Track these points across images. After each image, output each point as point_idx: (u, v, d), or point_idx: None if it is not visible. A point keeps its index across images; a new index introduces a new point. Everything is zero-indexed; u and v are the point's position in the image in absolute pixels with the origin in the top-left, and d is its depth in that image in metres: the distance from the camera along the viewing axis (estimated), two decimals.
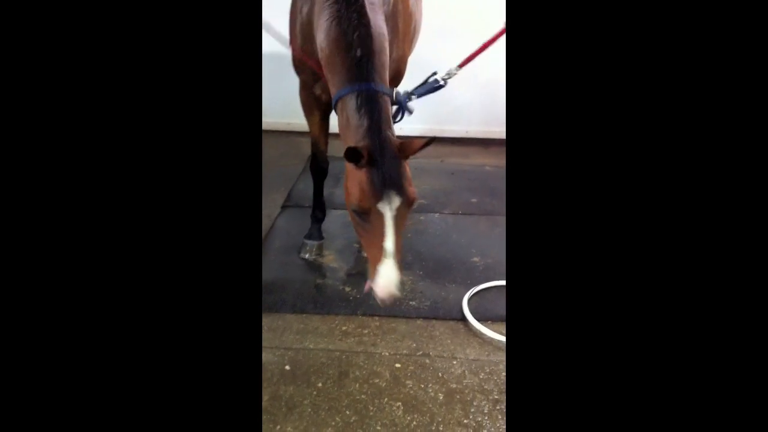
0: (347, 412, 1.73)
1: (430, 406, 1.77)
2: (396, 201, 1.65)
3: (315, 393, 1.80)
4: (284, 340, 2.06)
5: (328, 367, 1.92)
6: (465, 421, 1.71)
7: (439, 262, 2.63)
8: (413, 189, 1.73)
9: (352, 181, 1.71)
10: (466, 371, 1.93)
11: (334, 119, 2.11)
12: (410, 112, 2.07)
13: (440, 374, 1.91)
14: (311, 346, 2.03)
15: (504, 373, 1.91)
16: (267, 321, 2.14)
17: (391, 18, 2.08)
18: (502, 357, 2.00)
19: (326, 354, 1.99)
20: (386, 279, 1.63)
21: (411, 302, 2.30)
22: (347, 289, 2.39)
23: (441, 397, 1.80)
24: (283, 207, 3.16)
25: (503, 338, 2.06)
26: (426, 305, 2.28)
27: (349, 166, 1.71)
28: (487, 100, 4.23)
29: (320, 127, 2.46)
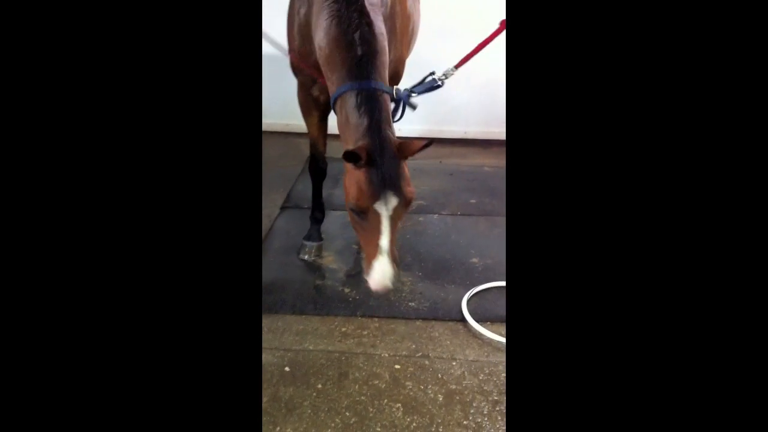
0: (347, 414, 1.72)
1: (430, 407, 1.77)
2: (393, 201, 1.67)
3: (314, 394, 1.80)
4: (284, 341, 2.06)
5: (328, 368, 1.92)
6: (465, 422, 1.71)
7: (439, 262, 2.63)
8: (411, 189, 1.74)
9: (351, 180, 1.72)
10: (466, 372, 1.93)
11: (332, 120, 2.12)
12: (414, 108, 2.07)
13: (440, 375, 1.91)
14: (311, 348, 2.03)
15: (503, 374, 1.91)
16: (266, 322, 2.14)
17: (389, 19, 2.08)
18: (501, 358, 2.00)
19: (326, 355, 1.99)
20: (380, 273, 1.68)
21: (410, 303, 2.30)
22: (347, 290, 2.39)
23: (441, 399, 1.80)
24: (282, 208, 3.16)
25: (503, 339, 2.06)
26: (425, 306, 2.28)
27: (348, 165, 1.71)
28: (486, 101, 4.23)
29: (319, 128, 2.46)
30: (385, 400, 1.78)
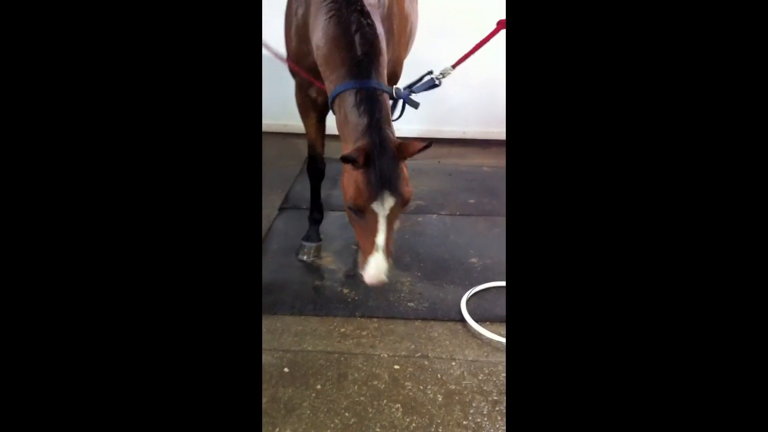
0: (346, 414, 1.72)
1: (429, 407, 1.76)
2: (391, 201, 1.69)
3: (314, 395, 1.80)
4: (283, 342, 2.05)
5: (327, 369, 1.92)
6: (464, 422, 1.71)
7: (437, 263, 2.63)
8: (409, 189, 1.76)
9: (349, 179, 1.72)
10: (465, 372, 1.92)
11: (330, 121, 2.12)
12: (416, 106, 2.07)
13: (439, 375, 1.91)
14: (310, 348, 2.02)
15: (503, 374, 1.91)
16: (265, 323, 2.13)
17: (387, 20, 2.08)
18: (500, 358, 1.99)
19: (325, 356, 1.99)
20: (375, 268, 1.74)
21: (409, 303, 2.30)
22: (345, 290, 2.38)
23: (440, 399, 1.80)
24: (281, 209, 3.16)
25: (502, 339, 2.06)
26: (424, 306, 2.28)
27: (347, 165, 1.72)
28: (485, 101, 4.23)
29: (317, 129, 2.46)
30: (385, 401, 1.78)
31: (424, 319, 2.21)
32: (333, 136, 2.10)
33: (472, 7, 3.72)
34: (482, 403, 1.78)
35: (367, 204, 1.69)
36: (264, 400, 1.76)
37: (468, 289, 2.37)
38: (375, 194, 1.66)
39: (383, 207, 1.69)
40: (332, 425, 1.68)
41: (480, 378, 1.90)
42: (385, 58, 1.89)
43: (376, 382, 1.86)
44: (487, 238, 2.88)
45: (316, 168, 2.57)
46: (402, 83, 2.25)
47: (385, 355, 2.00)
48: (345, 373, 1.90)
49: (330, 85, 1.87)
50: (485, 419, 1.72)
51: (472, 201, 3.35)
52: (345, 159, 1.67)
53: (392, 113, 1.99)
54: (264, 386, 1.82)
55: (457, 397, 1.81)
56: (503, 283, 2.41)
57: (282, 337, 2.08)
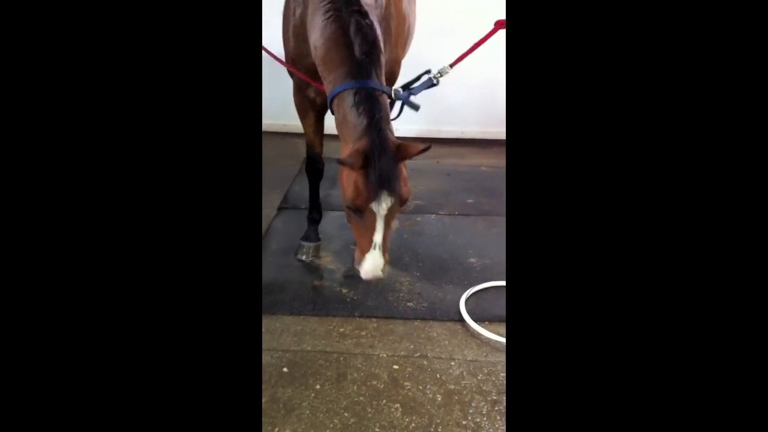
0: (346, 414, 1.72)
1: (429, 407, 1.76)
2: (389, 201, 1.70)
3: (313, 395, 1.80)
4: (282, 342, 2.05)
5: (326, 369, 1.92)
6: (464, 422, 1.71)
7: (436, 263, 2.63)
8: (408, 189, 1.77)
9: (348, 180, 1.72)
10: (465, 372, 1.92)
11: (329, 121, 2.12)
12: (416, 109, 2.08)
13: (438, 375, 1.91)
14: (309, 348, 2.02)
15: (502, 374, 1.91)
16: (264, 323, 2.13)
17: (384, 20, 2.08)
18: (500, 358, 2.00)
19: (324, 356, 1.98)
20: (372, 264, 1.78)
21: (408, 303, 2.30)
22: (344, 290, 2.38)
23: (439, 399, 1.80)
24: (280, 209, 3.15)
25: (501, 339, 2.06)
26: (423, 306, 2.28)
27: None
28: (483, 101, 4.23)
29: (315, 129, 2.46)
30: (384, 401, 1.78)
31: (423, 319, 2.21)
32: (332, 136, 2.10)
33: (471, 7, 3.72)
34: (481, 403, 1.78)
35: (366, 204, 1.70)
36: (263, 400, 1.76)
37: (467, 289, 2.37)
38: (374, 194, 1.67)
39: (382, 207, 1.70)
40: (331, 425, 1.68)
41: (479, 378, 1.90)
42: (383, 58, 1.89)
43: (375, 382, 1.86)
44: (485, 238, 2.88)
45: (314, 168, 2.57)
46: (400, 83, 2.25)
47: (384, 355, 2.00)
48: (344, 373, 1.90)
49: (329, 86, 1.87)
50: (484, 419, 1.72)
51: (470, 201, 3.35)
52: (342, 163, 1.68)
53: (390, 113, 2.00)
54: (263, 386, 1.82)
55: (456, 397, 1.81)
56: (502, 283, 2.41)
57: (281, 337, 2.08)
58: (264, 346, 2.01)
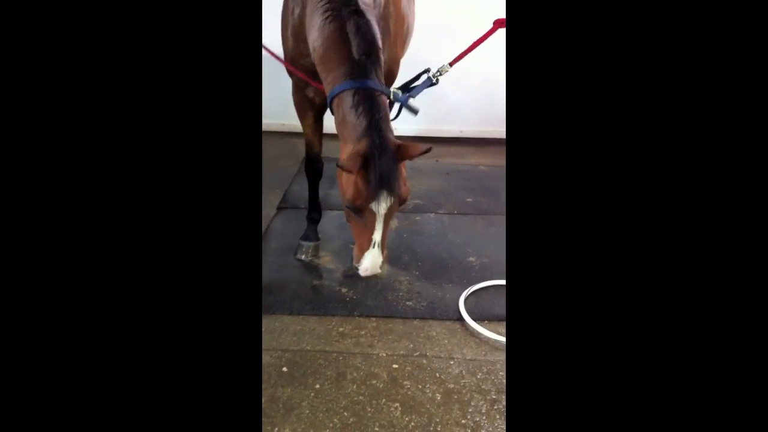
0: (345, 414, 1.72)
1: (428, 406, 1.77)
2: (389, 201, 1.70)
3: (313, 395, 1.80)
4: (281, 341, 2.05)
5: (326, 368, 1.92)
6: (463, 421, 1.71)
7: (435, 262, 2.63)
8: (407, 188, 1.78)
9: (348, 180, 1.73)
10: (464, 371, 1.93)
11: (328, 120, 2.12)
12: (415, 112, 2.08)
13: (438, 374, 1.91)
14: (308, 348, 2.03)
15: (501, 373, 1.92)
16: (264, 323, 2.13)
17: (383, 20, 2.08)
18: (499, 356, 2.00)
19: (323, 355, 1.99)
20: (371, 262, 1.80)
21: (408, 303, 2.30)
22: (344, 290, 2.39)
23: (439, 398, 1.80)
24: (279, 208, 3.16)
25: (500, 338, 2.06)
26: (423, 305, 2.28)
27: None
28: (482, 100, 4.24)
29: (314, 128, 2.46)
30: (383, 400, 1.79)
31: (422, 318, 2.21)
32: (331, 135, 2.10)
33: (471, 7, 3.73)
34: (481, 402, 1.79)
35: (366, 204, 1.70)
36: (263, 400, 1.77)
37: (466, 288, 2.37)
38: (374, 195, 1.68)
39: (381, 207, 1.71)
40: (331, 425, 1.68)
41: (478, 377, 1.90)
42: (382, 58, 1.89)
43: (374, 382, 1.87)
44: (484, 237, 2.89)
45: (313, 167, 2.57)
46: (399, 82, 2.25)
47: (384, 355, 2.00)
48: (344, 373, 1.90)
49: (328, 86, 1.87)
50: (484, 418, 1.72)
51: (469, 200, 3.35)
52: (342, 167, 1.68)
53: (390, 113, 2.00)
54: (263, 386, 1.82)
55: (455, 396, 1.81)
56: (501, 282, 2.42)
57: (281, 337, 2.08)
58: (263, 345, 2.01)
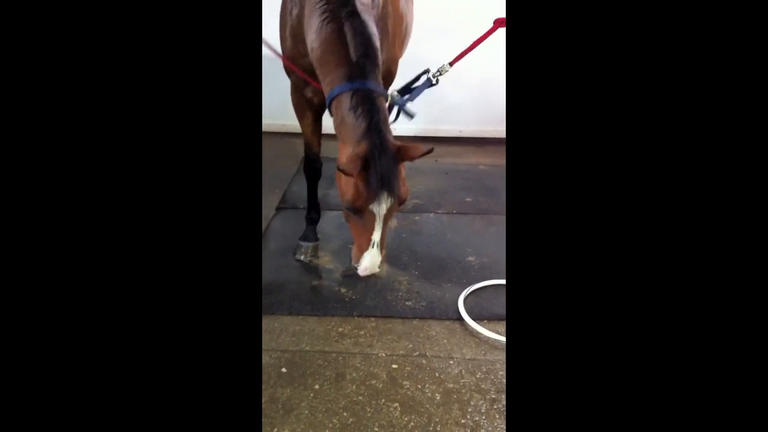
0: (345, 414, 1.72)
1: (428, 406, 1.77)
2: (389, 202, 1.70)
3: (312, 395, 1.80)
4: (280, 342, 2.05)
5: (325, 368, 1.92)
6: (462, 420, 1.71)
7: (435, 261, 2.63)
8: (406, 188, 1.78)
9: (348, 181, 1.72)
10: (463, 371, 1.93)
11: (327, 120, 2.12)
12: (411, 117, 2.09)
13: (437, 374, 1.91)
14: (307, 348, 2.03)
15: (501, 372, 1.92)
16: (263, 323, 2.13)
17: (381, 20, 2.08)
18: (498, 356, 2.00)
19: (323, 356, 1.99)
20: (370, 262, 1.82)
21: (407, 302, 2.30)
22: (343, 290, 2.39)
23: (438, 398, 1.80)
24: (278, 209, 3.15)
25: (499, 337, 2.06)
26: (422, 305, 2.28)
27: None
28: (481, 100, 4.24)
29: (313, 129, 2.46)
30: (383, 400, 1.79)
31: (421, 318, 2.21)
32: (330, 136, 2.10)
33: (471, 7, 3.73)
34: (480, 402, 1.79)
35: (366, 205, 1.71)
36: (263, 400, 1.76)
37: (465, 288, 2.37)
38: (374, 196, 1.68)
39: (381, 208, 1.71)
40: (330, 425, 1.68)
41: (478, 376, 1.90)
42: (380, 58, 1.89)
43: (374, 382, 1.87)
44: (484, 237, 2.89)
45: (312, 168, 2.57)
46: (399, 83, 2.26)
47: (383, 355, 2.00)
48: (343, 373, 1.90)
49: (326, 88, 1.87)
50: (483, 417, 1.72)
51: (468, 199, 3.35)
52: (343, 171, 1.68)
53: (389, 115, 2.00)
54: (262, 387, 1.82)
55: (455, 396, 1.81)
56: (501, 282, 2.42)
57: (280, 338, 2.08)
58: (263, 346, 2.01)
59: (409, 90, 2.16)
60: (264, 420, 1.68)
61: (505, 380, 1.87)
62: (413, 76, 2.22)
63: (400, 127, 2.98)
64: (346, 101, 1.77)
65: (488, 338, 2.08)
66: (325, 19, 1.83)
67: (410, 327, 2.16)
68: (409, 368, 1.94)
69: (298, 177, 3.44)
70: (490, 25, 2.01)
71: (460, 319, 2.19)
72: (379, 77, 1.86)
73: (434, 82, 2.12)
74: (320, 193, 2.75)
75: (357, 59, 1.79)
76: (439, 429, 1.68)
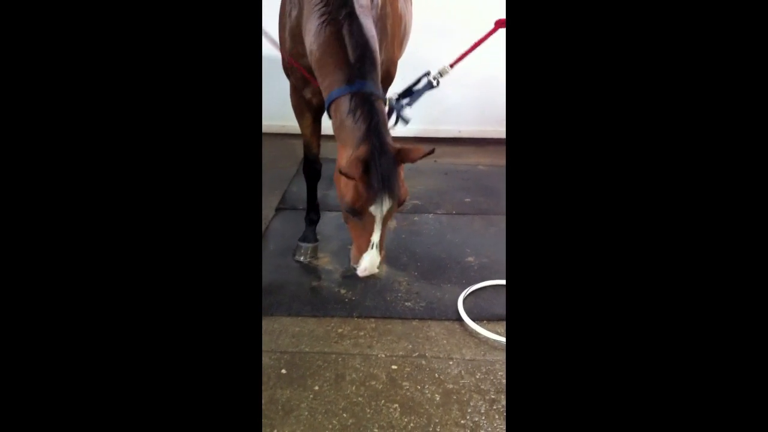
0: (344, 415, 1.72)
1: (427, 407, 1.77)
2: (388, 203, 1.70)
3: (312, 396, 1.80)
4: (280, 343, 2.05)
5: (325, 369, 1.92)
6: (462, 421, 1.71)
7: (434, 262, 2.63)
8: (405, 189, 1.78)
9: (348, 184, 1.72)
10: (463, 371, 1.93)
11: (326, 121, 2.12)
12: (407, 122, 2.09)
13: (437, 375, 1.91)
14: (307, 349, 2.02)
15: (500, 373, 1.91)
16: (263, 324, 2.13)
17: (380, 20, 2.08)
18: (498, 356, 2.00)
19: (322, 357, 1.99)
20: (369, 262, 1.84)
21: (406, 303, 2.30)
22: (343, 291, 2.38)
23: (438, 398, 1.80)
24: (278, 209, 3.15)
25: (499, 338, 2.06)
26: (421, 306, 2.28)
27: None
28: (480, 100, 4.24)
29: (312, 129, 2.46)
30: (383, 401, 1.78)
31: (421, 318, 2.21)
32: (329, 137, 2.10)
33: (471, 7, 3.73)
34: (480, 402, 1.79)
35: (366, 207, 1.71)
36: (262, 401, 1.76)
37: (465, 288, 2.37)
38: (374, 198, 1.69)
39: (381, 209, 1.71)
40: (330, 426, 1.68)
41: (477, 377, 1.90)
42: (378, 60, 1.89)
43: (373, 383, 1.87)
44: (483, 237, 2.89)
45: (312, 169, 2.57)
46: (399, 84, 2.26)
47: (383, 355, 2.00)
48: (343, 374, 1.90)
49: (325, 91, 1.88)
50: (483, 418, 1.72)
51: (468, 200, 3.35)
52: (345, 174, 1.69)
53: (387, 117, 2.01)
54: (262, 388, 1.82)
55: (454, 397, 1.81)
56: (500, 282, 2.42)
57: (279, 339, 2.07)
58: (262, 347, 2.01)
59: (409, 93, 2.16)
60: (264, 421, 1.68)
61: (504, 381, 1.87)
62: (413, 78, 2.22)
63: (399, 127, 2.99)
64: (344, 104, 1.77)
65: (488, 339, 2.08)
66: (323, 21, 1.83)
67: (410, 328, 2.16)
68: (408, 369, 1.93)
69: (298, 178, 3.44)
70: (491, 25, 2.01)
71: (460, 319, 2.19)
72: (378, 79, 1.86)
73: (435, 84, 2.13)
74: (320, 194, 2.75)
75: (355, 62, 1.79)
76: (438, 430, 1.68)
